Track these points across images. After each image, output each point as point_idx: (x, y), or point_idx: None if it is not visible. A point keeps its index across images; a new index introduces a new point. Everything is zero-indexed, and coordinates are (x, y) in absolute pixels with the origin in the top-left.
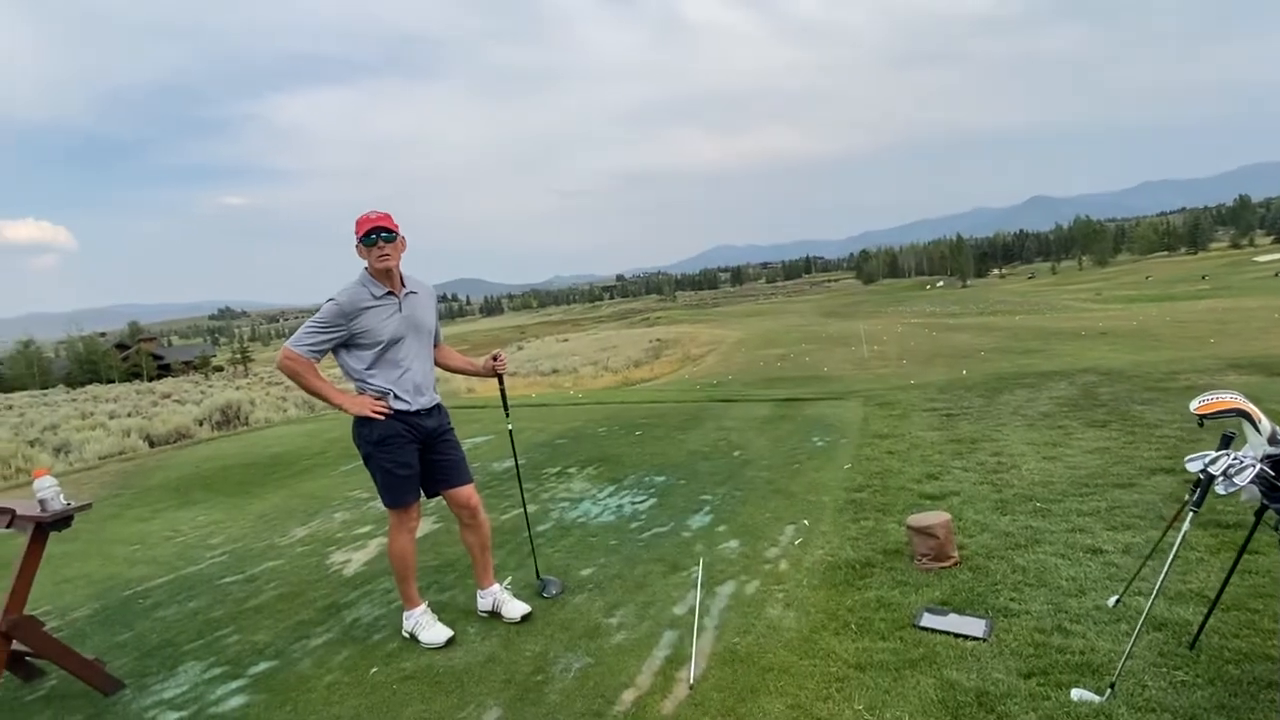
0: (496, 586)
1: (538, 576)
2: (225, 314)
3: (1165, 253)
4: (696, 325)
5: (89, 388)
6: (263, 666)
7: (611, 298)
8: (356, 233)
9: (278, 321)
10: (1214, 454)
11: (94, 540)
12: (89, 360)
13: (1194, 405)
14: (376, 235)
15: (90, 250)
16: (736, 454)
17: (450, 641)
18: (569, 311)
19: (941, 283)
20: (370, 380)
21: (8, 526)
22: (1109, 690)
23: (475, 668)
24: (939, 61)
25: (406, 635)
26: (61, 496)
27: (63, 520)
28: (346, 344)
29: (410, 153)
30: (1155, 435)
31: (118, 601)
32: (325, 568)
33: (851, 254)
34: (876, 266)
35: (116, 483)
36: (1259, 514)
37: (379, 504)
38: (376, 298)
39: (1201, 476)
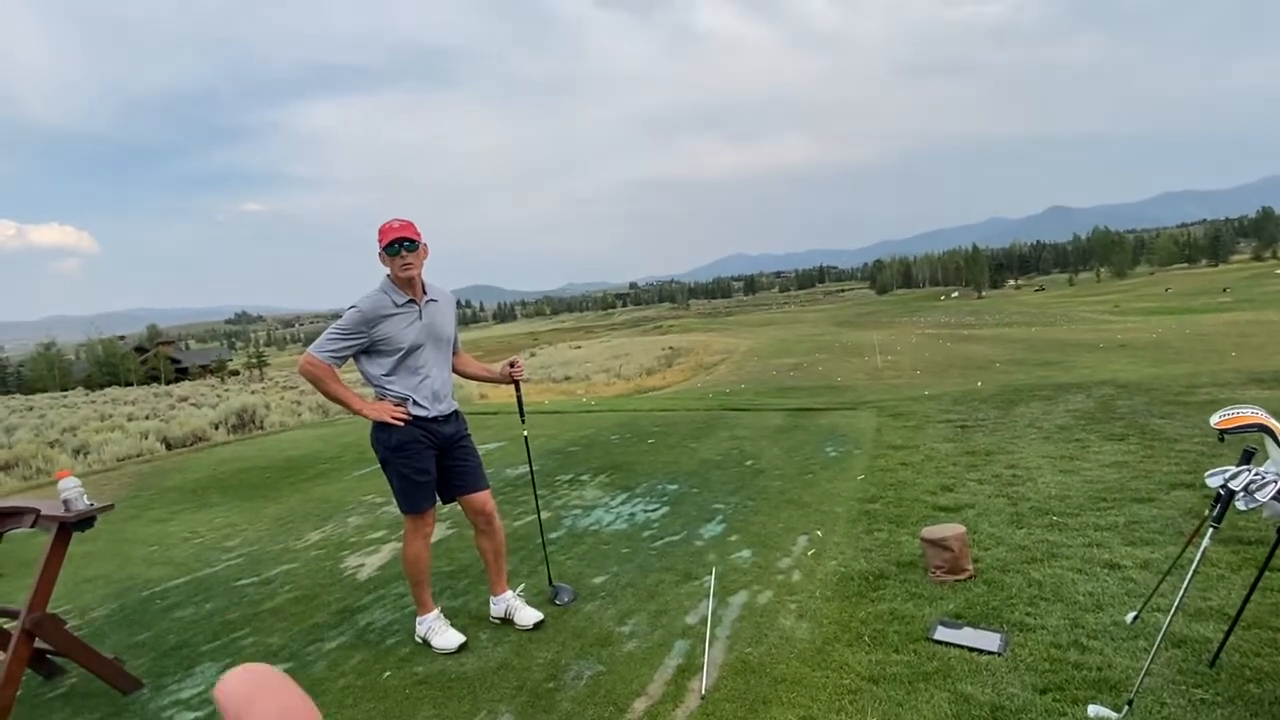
0: (509, 593)
1: (550, 584)
2: (242, 318)
3: (1185, 264)
4: (709, 334)
5: (108, 390)
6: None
7: (624, 305)
8: (380, 242)
9: (293, 326)
10: (1235, 469)
11: (113, 541)
12: (108, 363)
13: (1215, 420)
14: (399, 245)
15: (111, 254)
16: (749, 463)
17: (463, 647)
18: (582, 319)
19: (956, 293)
20: (390, 386)
21: (32, 526)
22: (1126, 707)
23: (488, 674)
24: (954, 71)
25: (419, 640)
26: (85, 497)
27: (86, 521)
28: (367, 350)
29: (426, 161)
30: (1175, 449)
31: (136, 602)
32: (339, 571)
33: (866, 264)
34: (891, 276)
35: (134, 484)
36: None
37: (392, 509)
38: (398, 305)
39: (1222, 492)
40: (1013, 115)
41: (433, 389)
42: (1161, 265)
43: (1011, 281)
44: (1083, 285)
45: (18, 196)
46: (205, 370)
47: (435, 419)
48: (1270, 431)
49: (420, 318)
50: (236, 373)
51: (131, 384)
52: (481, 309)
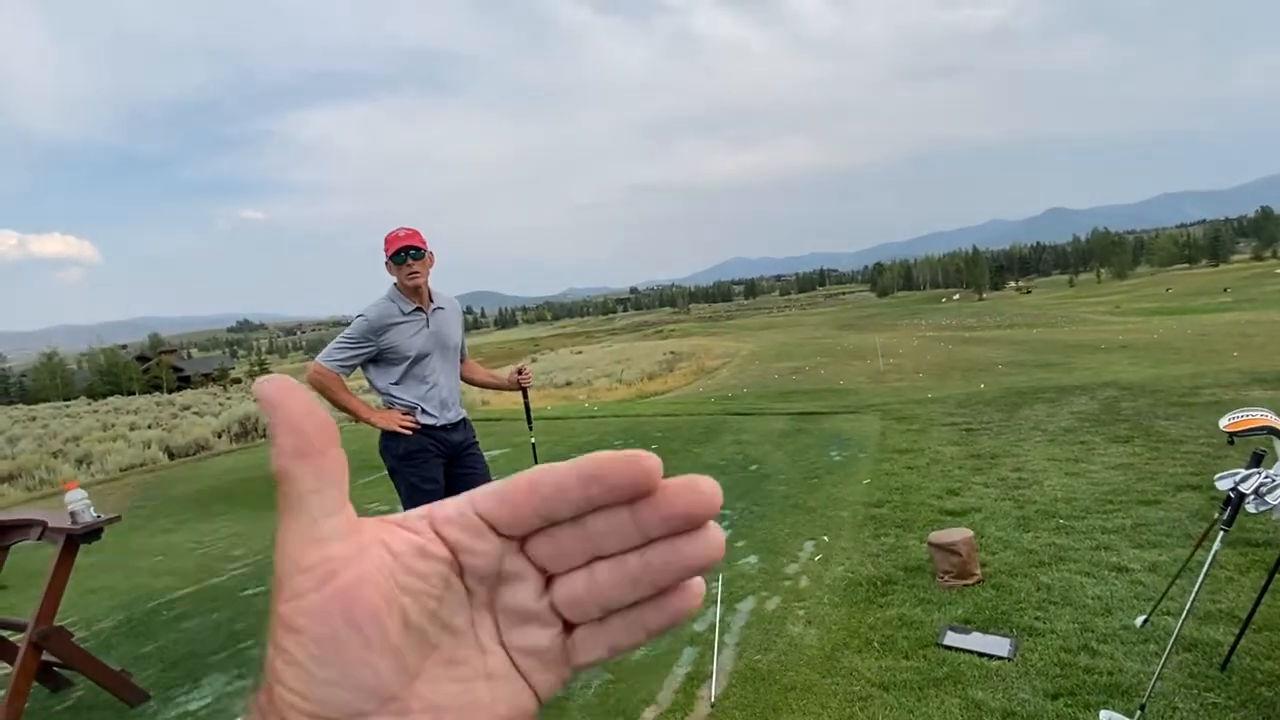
0: None
1: None
2: (244, 326)
3: (1186, 265)
4: (710, 338)
5: (111, 399)
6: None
7: (625, 310)
8: (386, 251)
9: (295, 334)
10: (1245, 472)
11: (119, 552)
12: (110, 372)
13: (1224, 422)
14: (406, 254)
15: (113, 264)
16: (753, 468)
17: None
18: (583, 324)
19: (958, 295)
20: (398, 395)
21: (39, 538)
22: (1139, 712)
23: None
24: (953, 74)
25: None
26: (91, 509)
27: (93, 533)
28: (375, 359)
29: (427, 167)
30: (1180, 451)
31: (143, 613)
32: None
33: (866, 266)
34: (891, 279)
35: (139, 494)
36: None
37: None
38: (405, 314)
39: (1232, 495)
40: (1011, 117)
41: (441, 397)
42: (1162, 266)
43: (1012, 283)
44: (1083, 286)
45: (19, 207)
46: (208, 378)
47: (444, 427)
48: (1279, 434)
49: (428, 326)
50: (239, 381)
51: (134, 393)
52: (483, 315)
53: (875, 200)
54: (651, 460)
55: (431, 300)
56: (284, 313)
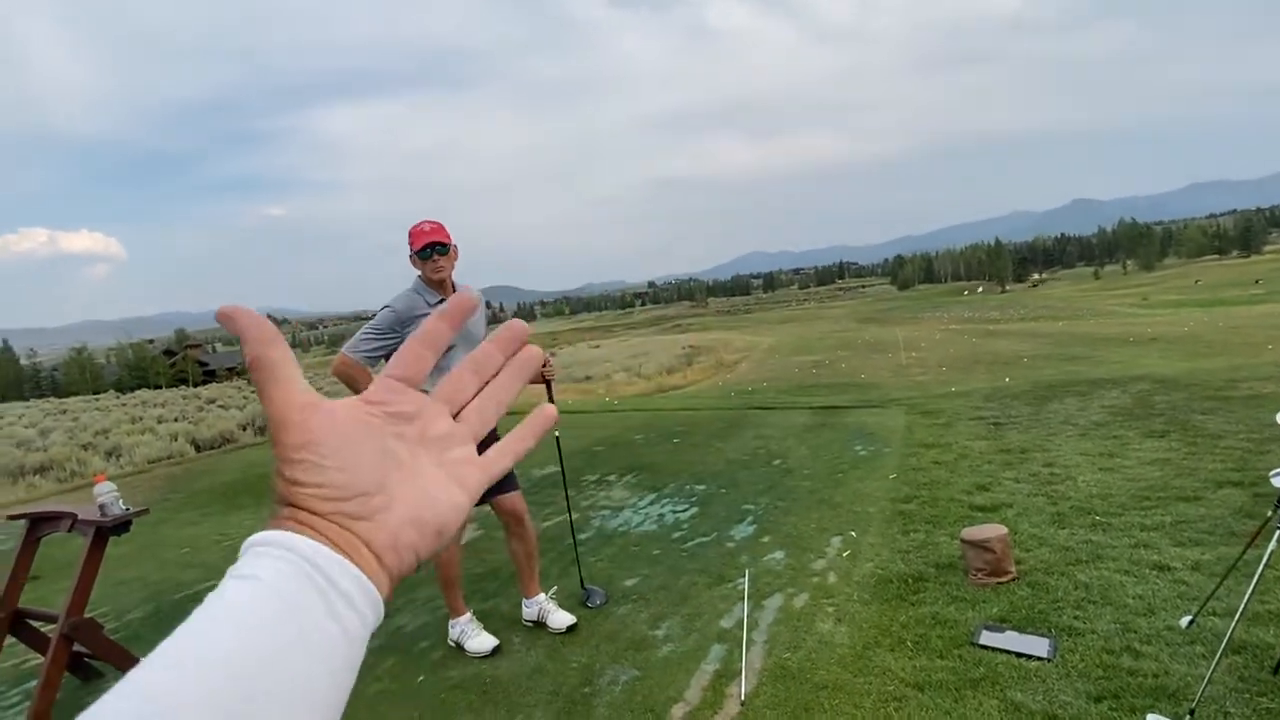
0: (541, 596)
1: (582, 586)
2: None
3: (1216, 256)
4: (729, 332)
5: (138, 393)
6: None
7: (643, 304)
8: (411, 245)
9: (317, 329)
10: None
11: (147, 544)
12: (138, 366)
13: None
14: (431, 249)
15: (139, 260)
16: (777, 463)
17: (496, 651)
18: (601, 318)
19: (980, 288)
20: (421, 388)
21: (69, 530)
22: (1188, 717)
23: (522, 678)
24: (973, 63)
25: (452, 644)
26: (120, 502)
27: (122, 525)
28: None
29: (445, 163)
30: (1219, 446)
31: (171, 604)
32: None
33: (886, 259)
34: (912, 272)
35: (166, 486)
36: None
37: None
38: (430, 306)
39: None
40: (1034, 107)
41: None
42: (1190, 257)
43: (1035, 275)
44: (1109, 278)
45: (49, 205)
46: (232, 372)
47: None
48: None
49: None
50: None
51: (160, 387)
52: (502, 309)
53: (895, 192)
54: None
55: (455, 293)
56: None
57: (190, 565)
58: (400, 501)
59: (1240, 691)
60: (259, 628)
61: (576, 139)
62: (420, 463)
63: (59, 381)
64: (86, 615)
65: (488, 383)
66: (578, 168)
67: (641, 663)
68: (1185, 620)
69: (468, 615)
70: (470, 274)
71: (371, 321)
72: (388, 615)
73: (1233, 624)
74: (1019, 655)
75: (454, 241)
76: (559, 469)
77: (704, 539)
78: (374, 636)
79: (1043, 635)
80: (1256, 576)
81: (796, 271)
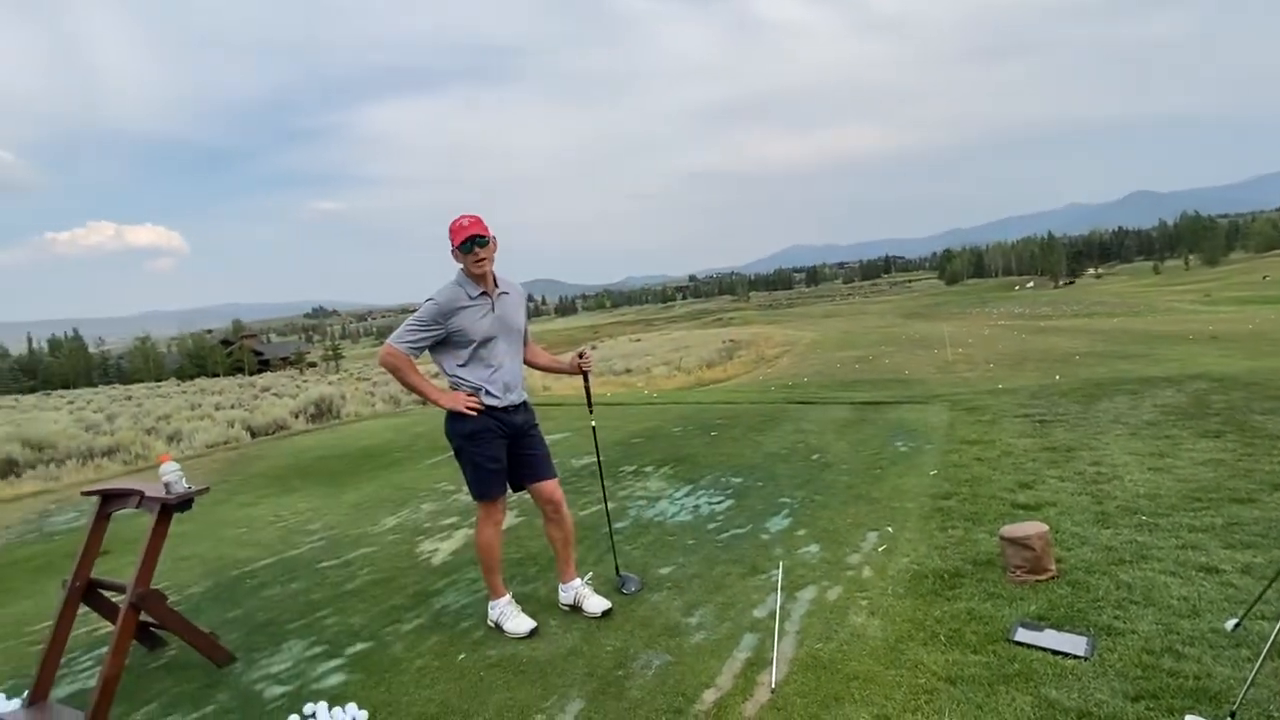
0: (578, 581)
1: (617, 573)
2: (319, 313)
3: None
4: (770, 326)
5: (197, 381)
6: (359, 648)
7: (684, 298)
8: (452, 240)
9: (366, 320)
10: None
11: (206, 523)
12: (198, 355)
13: None
14: (472, 243)
15: (200, 253)
16: (815, 457)
17: (533, 632)
18: (642, 311)
19: (1032, 283)
20: (464, 377)
21: (136, 506)
22: (1229, 718)
23: (558, 659)
24: (1025, 51)
25: (491, 624)
26: (184, 480)
27: (185, 503)
28: (442, 342)
29: (490, 158)
30: (1279, 448)
31: (228, 580)
32: (414, 556)
33: (934, 253)
34: (961, 266)
35: (223, 470)
36: None
37: (464, 496)
38: (472, 298)
39: None
40: (1092, 96)
41: (504, 380)
42: (1259, 251)
43: (1091, 270)
44: (1170, 273)
45: (117, 200)
46: (285, 362)
47: (506, 409)
48: None
49: (493, 310)
50: (314, 364)
51: (218, 375)
52: (543, 303)
53: (944, 185)
54: None
55: (497, 285)
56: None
57: (246, 544)
58: None
59: None
60: None
61: (619, 132)
62: None
63: (125, 369)
64: (152, 587)
65: None
66: (620, 161)
67: (674, 648)
68: (1231, 623)
69: (507, 597)
70: (512, 267)
71: (416, 314)
72: (433, 594)
73: (1277, 627)
74: (1055, 653)
75: (493, 234)
76: (596, 459)
77: (739, 530)
78: (418, 615)
79: (1081, 634)
80: None
81: (840, 265)
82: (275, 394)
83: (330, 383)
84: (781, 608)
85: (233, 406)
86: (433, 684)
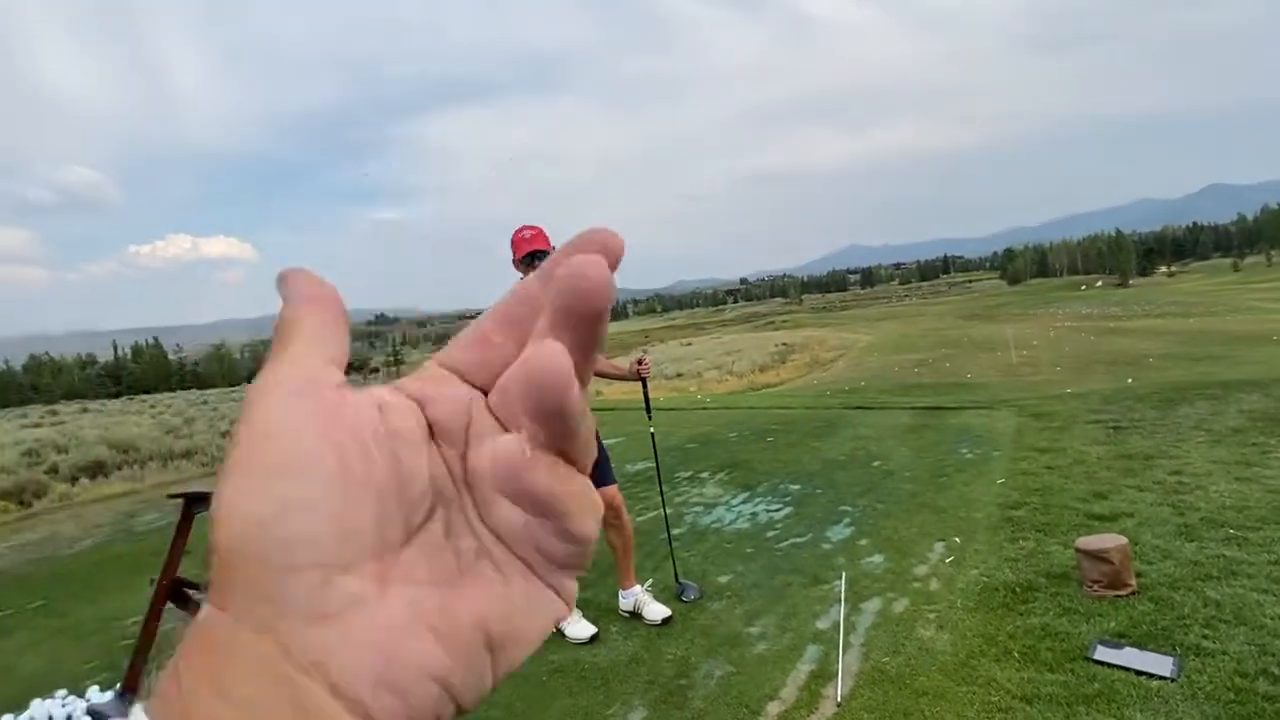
0: (638, 588)
1: (676, 580)
2: (381, 320)
3: None
4: (824, 329)
5: None
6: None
7: (735, 301)
8: (515, 253)
9: (426, 327)
10: None
11: None
12: None
13: None
14: (534, 257)
15: (268, 262)
16: (876, 464)
17: (594, 638)
18: (692, 315)
19: (1100, 282)
20: None
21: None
22: None
23: (619, 667)
24: (1089, 42)
25: (552, 629)
26: None
27: None
28: None
29: (540, 165)
30: None
31: None
32: None
33: (994, 253)
34: (1023, 266)
35: None
36: None
37: None
38: None
39: None
40: (1162, 85)
41: None
42: None
43: (1163, 268)
44: (1251, 270)
45: (192, 213)
46: (350, 368)
47: None
48: None
49: None
50: (377, 370)
51: None
52: None
53: (1005, 182)
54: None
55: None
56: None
57: None
58: (404, 596)
59: None
60: None
61: (668, 135)
62: (463, 533)
63: (201, 375)
64: None
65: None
66: (671, 164)
67: (736, 659)
68: None
69: None
70: None
71: (477, 322)
72: None
73: None
74: (1138, 673)
75: (554, 246)
76: (652, 465)
77: (799, 539)
78: None
79: (1166, 654)
80: None
81: (897, 266)
82: None
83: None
84: (846, 619)
85: None
86: (496, 688)
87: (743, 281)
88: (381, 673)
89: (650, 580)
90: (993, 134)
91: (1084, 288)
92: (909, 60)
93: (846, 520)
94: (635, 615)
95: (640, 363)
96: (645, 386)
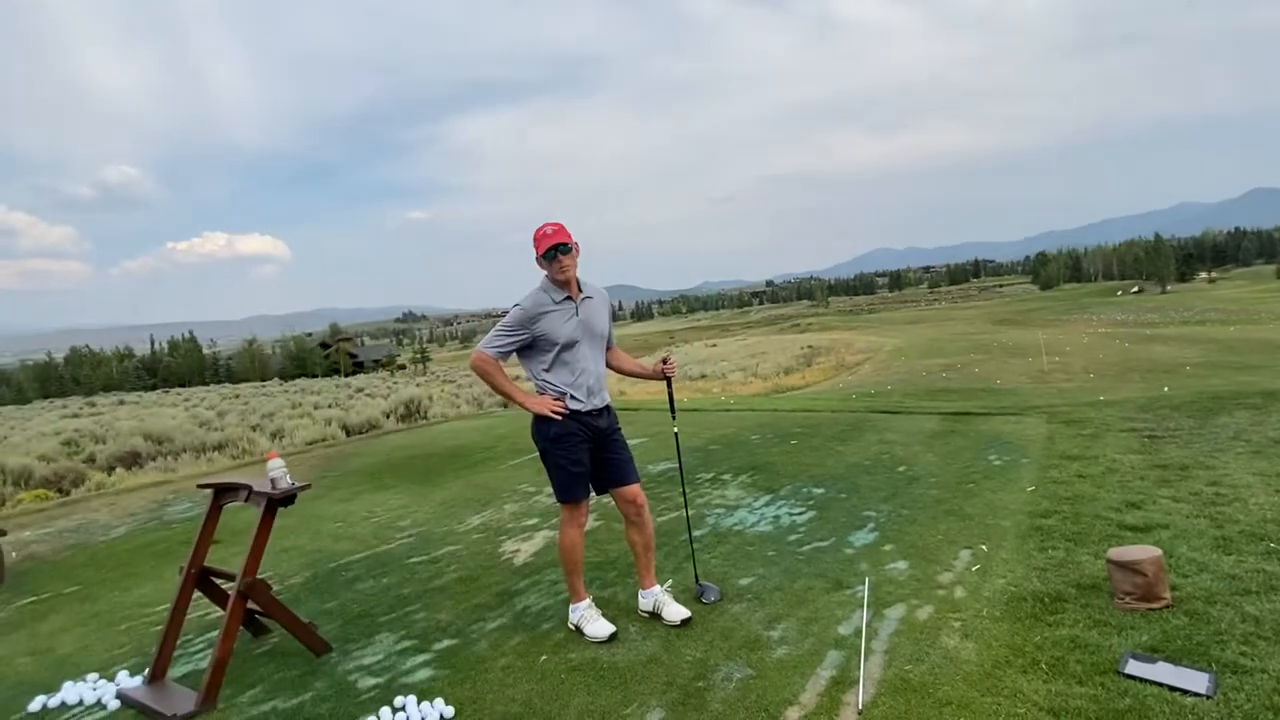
0: (658, 588)
1: (696, 581)
2: (408, 317)
3: None
4: (851, 332)
5: (298, 381)
6: (445, 644)
7: (761, 303)
8: (536, 249)
9: (452, 325)
10: None
11: (305, 517)
12: (298, 357)
13: None
14: (555, 251)
15: (301, 260)
16: (901, 469)
17: (613, 637)
18: (718, 317)
19: (1136, 288)
20: (549, 380)
21: (245, 500)
22: None
23: (638, 666)
24: (1126, 44)
25: (572, 627)
26: (289, 476)
27: (289, 498)
28: (529, 346)
29: (569, 166)
30: None
31: (325, 572)
32: (498, 555)
33: (1027, 256)
34: (1056, 270)
35: (321, 466)
36: None
37: (544, 498)
38: (556, 303)
39: None
40: (1203, 88)
41: (588, 384)
42: None
43: (1203, 274)
44: None
45: (227, 211)
46: (378, 364)
47: (590, 412)
48: None
49: (577, 314)
50: (404, 367)
51: (317, 375)
52: (620, 307)
53: (1038, 186)
54: None
55: (580, 290)
56: (442, 305)
57: (342, 538)
58: None
59: None
60: None
61: (696, 138)
62: None
63: (233, 369)
64: (259, 576)
65: None
66: (699, 166)
67: (756, 662)
68: None
69: (588, 600)
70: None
71: (504, 319)
72: (515, 594)
73: None
74: (1172, 689)
75: (575, 240)
76: (675, 466)
77: (821, 543)
78: (501, 615)
79: (1201, 670)
80: None
81: (926, 270)
82: (368, 394)
83: (418, 384)
84: (868, 625)
85: (330, 406)
86: (515, 684)
87: (769, 283)
88: None
89: (670, 581)
90: (1026, 136)
91: (1120, 293)
92: (941, 62)
93: (870, 525)
94: (655, 615)
95: (665, 362)
96: (670, 386)
